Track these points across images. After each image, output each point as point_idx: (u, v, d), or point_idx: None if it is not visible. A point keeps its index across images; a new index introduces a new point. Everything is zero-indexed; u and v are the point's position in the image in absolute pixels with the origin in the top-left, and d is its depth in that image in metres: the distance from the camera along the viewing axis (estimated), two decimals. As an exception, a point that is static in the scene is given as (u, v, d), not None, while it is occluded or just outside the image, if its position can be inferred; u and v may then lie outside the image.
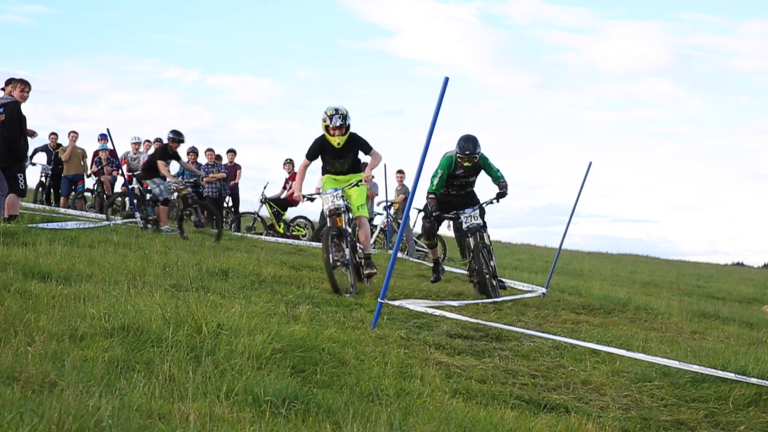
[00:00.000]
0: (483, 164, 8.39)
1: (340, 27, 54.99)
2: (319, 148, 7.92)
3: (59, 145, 16.52)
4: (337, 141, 7.76)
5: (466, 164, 8.23)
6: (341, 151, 7.91)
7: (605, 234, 48.57)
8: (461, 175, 8.43)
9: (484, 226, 8.41)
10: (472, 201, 8.57)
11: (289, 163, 16.03)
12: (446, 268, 11.27)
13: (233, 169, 16.42)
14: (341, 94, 55.08)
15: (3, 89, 9.90)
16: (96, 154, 16.22)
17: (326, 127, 7.74)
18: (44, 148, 16.42)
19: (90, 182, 16.29)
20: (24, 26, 49.76)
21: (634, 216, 53.71)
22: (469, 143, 8.16)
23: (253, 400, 3.24)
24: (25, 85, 9.51)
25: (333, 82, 55.58)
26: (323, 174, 8.15)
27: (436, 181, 8.30)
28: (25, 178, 9.58)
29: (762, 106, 55.08)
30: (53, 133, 16.72)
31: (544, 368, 5.06)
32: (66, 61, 53.30)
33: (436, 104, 5.84)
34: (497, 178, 8.41)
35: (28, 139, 9.88)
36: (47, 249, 7.12)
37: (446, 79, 5.79)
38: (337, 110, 7.74)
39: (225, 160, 16.42)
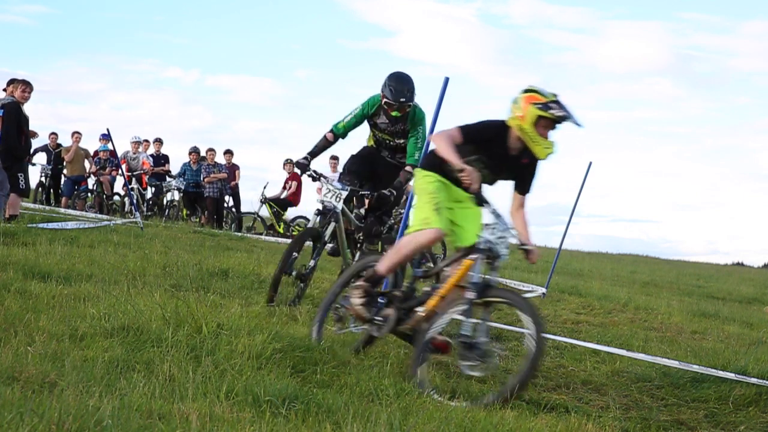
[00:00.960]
0: (412, 124, 6.05)
1: (340, 27, 54.99)
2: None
3: (59, 145, 16.52)
4: None
5: (393, 113, 5.94)
6: None
7: (605, 234, 48.57)
8: (384, 130, 6.12)
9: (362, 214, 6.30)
10: (394, 176, 6.08)
11: (289, 163, 16.02)
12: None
13: (231, 170, 16.42)
14: (342, 94, 54.94)
15: (5, 90, 9.93)
16: (96, 154, 16.22)
17: None
18: (44, 148, 16.43)
19: (90, 182, 16.30)
20: (24, 26, 49.77)
21: (634, 216, 53.72)
22: (404, 85, 5.87)
23: (253, 400, 3.24)
24: (26, 86, 9.56)
25: (333, 82, 55.60)
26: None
27: (347, 119, 6.09)
28: (26, 178, 9.61)
29: (762, 106, 55.09)
30: (53, 133, 16.73)
31: (544, 368, 5.06)
32: (66, 61, 53.30)
33: (437, 104, 5.83)
34: (410, 155, 6.00)
35: (30, 139, 9.92)
36: (47, 249, 7.11)
37: (446, 80, 5.78)
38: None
39: (222, 161, 16.43)
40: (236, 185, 16.55)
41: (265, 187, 15.86)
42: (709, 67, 56.08)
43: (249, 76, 55.85)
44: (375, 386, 3.80)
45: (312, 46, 55.62)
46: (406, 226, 5.77)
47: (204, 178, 15.52)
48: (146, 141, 16.84)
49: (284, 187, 16.04)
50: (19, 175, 9.44)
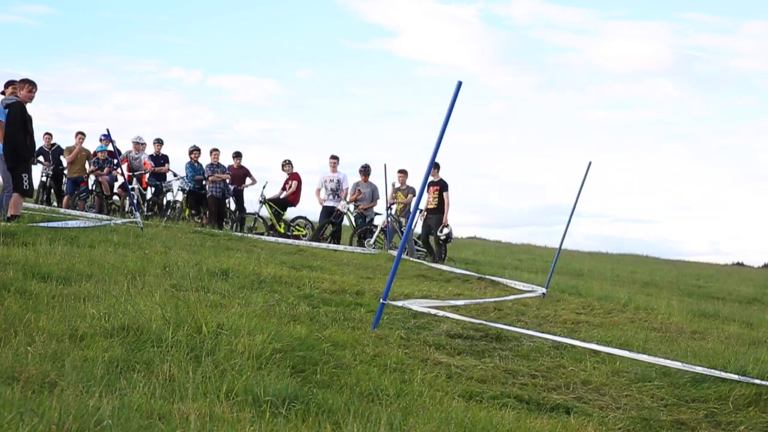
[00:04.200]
0: None
1: (342, 27, 54.91)
2: None
3: (53, 145, 16.50)
4: None
5: None
6: None
7: (607, 234, 48.62)
8: None
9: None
10: None
11: (288, 164, 16.01)
12: (446, 268, 11.27)
13: (240, 173, 16.38)
14: (343, 95, 54.90)
15: (3, 92, 9.94)
16: (94, 154, 16.21)
17: None
18: (40, 151, 16.32)
19: (89, 182, 16.27)
20: (26, 27, 49.76)
21: (635, 216, 53.81)
22: None
23: (253, 400, 3.24)
24: (32, 86, 9.58)
25: (335, 82, 55.55)
26: None
27: None
28: (30, 179, 9.61)
29: (763, 106, 54.98)
30: (47, 133, 16.67)
31: (544, 368, 5.06)
32: (68, 61, 53.28)
33: (448, 108, 5.74)
34: None
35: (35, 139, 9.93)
36: (47, 249, 7.11)
37: (459, 84, 5.71)
38: None
39: (228, 161, 16.40)
40: (241, 190, 16.45)
41: (264, 187, 15.87)
42: (711, 68, 56.01)
43: (251, 77, 55.89)
44: (375, 386, 3.80)
45: (314, 46, 55.62)
46: (410, 231, 5.91)
47: (208, 177, 15.49)
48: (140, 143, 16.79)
49: (284, 188, 16.05)
50: (24, 175, 9.44)
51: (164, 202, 16.38)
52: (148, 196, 16.36)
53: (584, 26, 55.62)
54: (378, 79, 55.15)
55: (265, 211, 15.80)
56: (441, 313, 5.93)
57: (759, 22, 53.90)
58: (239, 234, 13.64)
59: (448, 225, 13.81)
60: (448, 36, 57.55)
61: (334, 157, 15.60)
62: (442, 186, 13.85)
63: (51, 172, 16.44)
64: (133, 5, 51.10)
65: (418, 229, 14.92)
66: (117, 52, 51.92)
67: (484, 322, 5.91)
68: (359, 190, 15.27)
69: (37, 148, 16.21)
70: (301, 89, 55.43)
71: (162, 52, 52.91)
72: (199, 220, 15.59)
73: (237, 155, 16.48)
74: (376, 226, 14.85)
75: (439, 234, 13.74)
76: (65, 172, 16.35)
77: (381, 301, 5.75)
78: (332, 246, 13.46)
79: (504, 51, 57.36)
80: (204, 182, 15.57)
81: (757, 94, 55.16)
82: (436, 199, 13.89)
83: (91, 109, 47.51)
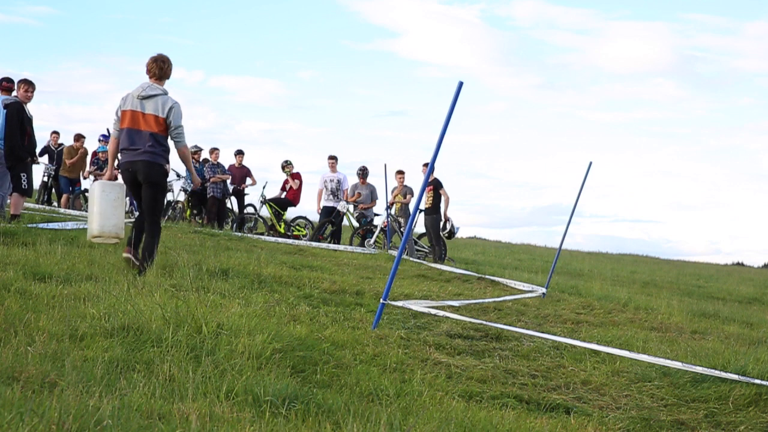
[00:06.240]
0: None
1: (344, 28, 54.87)
2: None
3: (61, 144, 16.51)
4: None
5: None
6: None
7: (607, 234, 48.66)
8: None
9: None
10: None
11: (289, 164, 16.01)
12: (446, 268, 11.28)
13: (242, 172, 16.38)
14: (345, 95, 54.90)
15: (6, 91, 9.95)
16: (95, 154, 16.20)
17: None
18: (47, 149, 16.38)
19: (88, 183, 16.27)
20: (29, 27, 49.81)
21: (636, 216, 53.83)
22: None
23: (253, 400, 3.24)
24: (28, 86, 9.57)
25: (337, 83, 55.54)
26: None
27: None
28: (29, 178, 9.60)
29: (765, 106, 54.97)
30: (55, 132, 16.70)
31: (544, 368, 5.06)
32: (71, 62, 53.31)
33: (449, 109, 5.75)
34: None
35: (35, 139, 9.93)
36: (47, 249, 7.11)
37: (460, 84, 5.70)
38: None
39: (229, 161, 16.40)
40: (242, 189, 16.44)
41: (264, 187, 15.88)
42: (713, 68, 55.99)
43: (253, 77, 55.91)
44: (375, 386, 3.80)
45: (316, 47, 55.58)
46: (410, 231, 5.95)
47: (210, 178, 15.48)
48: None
49: (283, 188, 16.04)
50: (22, 175, 9.43)
51: (164, 202, 16.36)
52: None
53: (586, 27, 55.62)
54: (379, 79, 55.16)
55: (265, 211, 15.80)
56: (441, 313, 5.93)
57: (761, 22, 53.88)
58: (239, 234, 13.64)
59: (449, 219, 13.89)
60: (450, 37, 57.55)
61: (333, 157, 15.60)
62: (435, 185, 13.90)
63: (53, 172, 16.43)
64: (136, 6, 51.17)
65: (418, 228, 14.93)
66: (119, 53, 51.97)
67: (484, 322, 5.91)
68: (358, 192, 15.30)
69: (42, 147, 16.28)
70: (302, 90, 55.49)
71: (164, 53, 52.87)
72: (200, 221, 15.59)
73: (239, 153, 16.49)
74: (376, 226, 14.86)
75: (442, 233, 13.82)
76: (61, 171, 16.37)
77: (381, 301, 5.75)
78: (332, 246, 13.46)
79: (505, 52, 57.36)
80: (205, 183, 15.57)
81: (759, 94, 55.17)
82: (431, 198, 13.94)
83: (94, 110, 47.59)
